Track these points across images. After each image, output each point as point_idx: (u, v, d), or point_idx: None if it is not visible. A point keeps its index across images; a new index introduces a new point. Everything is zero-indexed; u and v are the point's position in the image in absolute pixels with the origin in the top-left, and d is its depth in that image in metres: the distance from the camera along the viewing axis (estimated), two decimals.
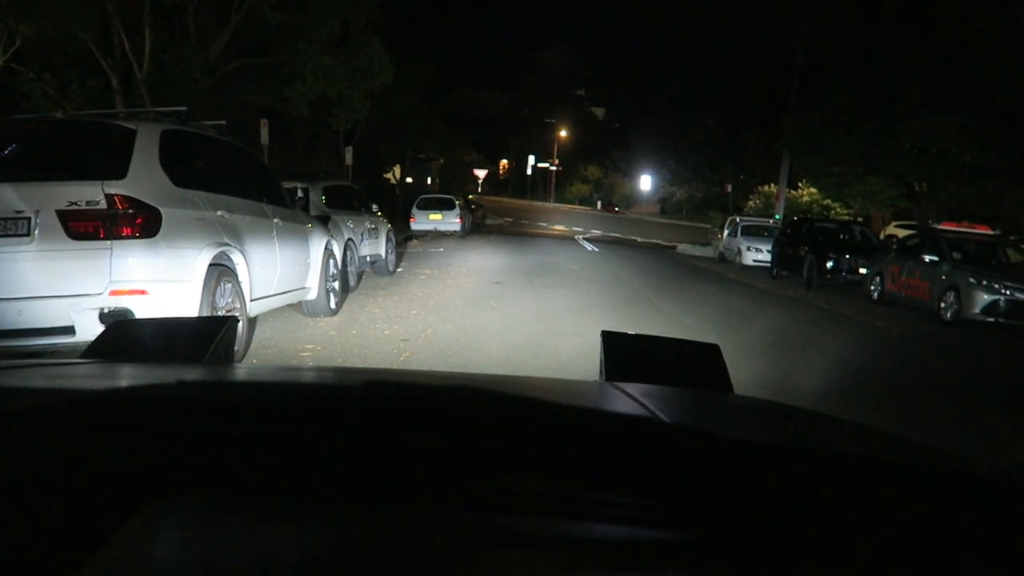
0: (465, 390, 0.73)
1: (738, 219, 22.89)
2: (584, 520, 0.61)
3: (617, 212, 63.22)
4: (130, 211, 4.39)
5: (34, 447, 0.72)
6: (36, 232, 4.22)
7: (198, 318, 4.23)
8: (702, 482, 0.68)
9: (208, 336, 1.51)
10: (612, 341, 1.62)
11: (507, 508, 0.63)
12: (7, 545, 0.55)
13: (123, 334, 1.70)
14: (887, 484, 0.71)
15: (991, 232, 14.22)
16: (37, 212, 4.22)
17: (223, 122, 6.43)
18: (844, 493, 0.68)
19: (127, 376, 0.95)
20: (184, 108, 5.81)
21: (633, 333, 1.85)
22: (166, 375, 0.94)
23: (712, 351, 1.62)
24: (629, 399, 0.97)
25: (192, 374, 1.07)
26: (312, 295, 7.31)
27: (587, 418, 0.80)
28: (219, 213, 5.28)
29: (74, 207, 4.26)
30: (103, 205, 4.30)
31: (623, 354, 1.63)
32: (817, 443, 0.94)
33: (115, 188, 4.36)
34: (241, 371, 1.49)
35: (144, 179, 4.59)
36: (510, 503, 0.63)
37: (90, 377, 0.89)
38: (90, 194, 4.29)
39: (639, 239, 35.00)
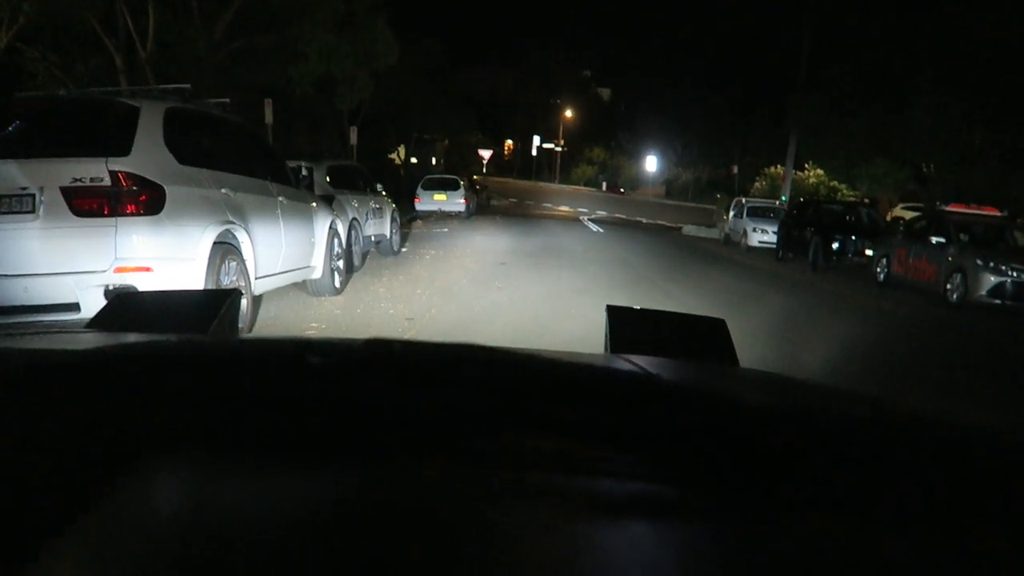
0: (473, 349, 0.73)
1: (744, 201, 22.77)
2: (587, 476, 0.62)
3: (622, 194, 62.99)
4: (134, 188, 4.38)
5: (32, 405, 0.72)
6: (41, 209, 4.22)
7: (202, 291, 4.24)
8: (703, 441, 0.68)
9: (212, 308, 1.51)
10: (617, 315, 1.61)
11: (512, 464, 0.63)
12: (4, 501, 0.55)
13: (126, 306, 1.70)
14: (886, 444, 0.71)
15: (999, 214, 14.12)
16: (42, 189, 4.22)
17: (227, 100, 6.40)
18: (843, 453, 0.68)
19: (128, 341, 0.95)
20: (188, 86, 5.79)
21: (639, 307, 1.84)
22: (168, 341, 0.94)
23: (718, 325, 1.61)
24: (634, 368, 0.96)
25: (196, 340, 1.07)
26: (317, 274, 7.31)
27: (591, 380, 0.79)
28: (223, 191, 5.27)
29: (78, 184, 4.25)
30: (107, 182, 4.29)
31: (628, 328, 1.62)
32: (818, 406, 0.94)
33: (119, 165, 4.35)
34: (246, 338, 1.49)
35: (148, 156, 4.58)
36: (515, 460, 0.63)
37: (91, 343, 0.88)
38: (94, 171, 4.28)
39: (644, 221, 34.90)
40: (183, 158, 4.88)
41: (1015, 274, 10.21)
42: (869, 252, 14.35)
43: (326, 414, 0.70)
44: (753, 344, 6.30)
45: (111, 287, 4.29)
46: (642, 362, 1.03)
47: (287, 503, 0.55)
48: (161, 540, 0.50)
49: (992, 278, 10.31)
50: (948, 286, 11.04)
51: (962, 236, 11.68)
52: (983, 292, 10.35)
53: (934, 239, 11.75)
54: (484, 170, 60.48)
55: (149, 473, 0.58)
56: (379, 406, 0.70)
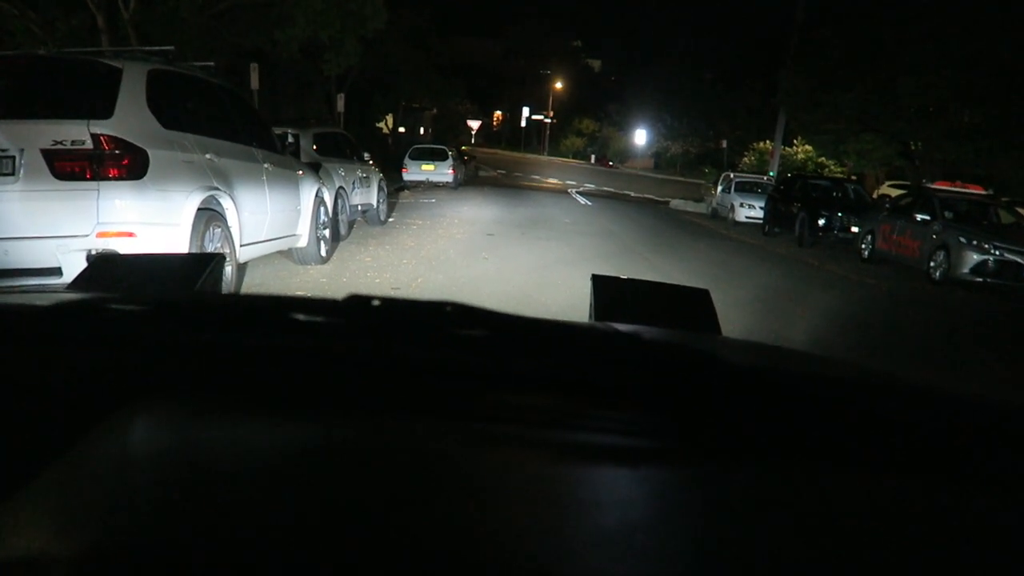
0: (452, 307, 0.73)
1: (732, 175, 22.76)
2: (567, 429, 0.63)
3: (611, 166, 62.77)
4: (116, 152, 4.32)
5: (4, 355, 0.71)
6: (21, 171, 4.15)
7: (185, 254, 4.21)
8: (678, 398, 0.69)
9: (195, 271, 1.50)
10: (602, 285, 1.61)
11: (492, 419, 0.63)
12: None
13: (107, 268, 1.68)
14: (856, 398, 0.72)
15: (984, 192, 14.21)
16: (22, 151, 4.15)
17: (211, 63, 6.30)
18: (813, 405, 0.69)
19: (105, 295, 0.95)
20: (171, 48, 5.67)
21: (624, 277, 1.85)
22: (146, 295, 0.93)
23: (702, 296, 1.62)
24: (615, 332, 0.97)
25: (175, 295, 1.06)
26: (302, 242, 7.27)
27: (571, 341, 0.80)
28: (208, 156, 5.20)
29: (60, 147, 4.19)
30: (89, 145, 4.23)
31: (613, 297, 1.63)
32: (797, 368, 0.95)
33: (101, 128, 4.28)
34: (226, 294, 1.49)
35: (131, 119, 4.51)
36: (495, 414, 0.64)
37: (68, 299, 0.88)
38: (76, 133, 4.21)
39: (632, 194, 34.84)
40: (167, 122, 4.81)
41: (997, 252, 10.29)
42: (855, 228, 14.42)
43: (304, 367, 0.70)
44: (739, 316, 6.35)
45: (93, 252, 4.24)
46: (624, 329, 1.04)
47: (262, 452, 0.56)
48: (134, 488, 0.50)
49: (975, 256, 10.40)
50: (931, 263, 11.13)
51: (946, 214, 11.75)
52: (966, 269, 10.45)
53: (919, 216, 11.82)
54: (472, 141, 60.10)
55: (124, 422, 0.58)
56: (357, 360, 0.70)
